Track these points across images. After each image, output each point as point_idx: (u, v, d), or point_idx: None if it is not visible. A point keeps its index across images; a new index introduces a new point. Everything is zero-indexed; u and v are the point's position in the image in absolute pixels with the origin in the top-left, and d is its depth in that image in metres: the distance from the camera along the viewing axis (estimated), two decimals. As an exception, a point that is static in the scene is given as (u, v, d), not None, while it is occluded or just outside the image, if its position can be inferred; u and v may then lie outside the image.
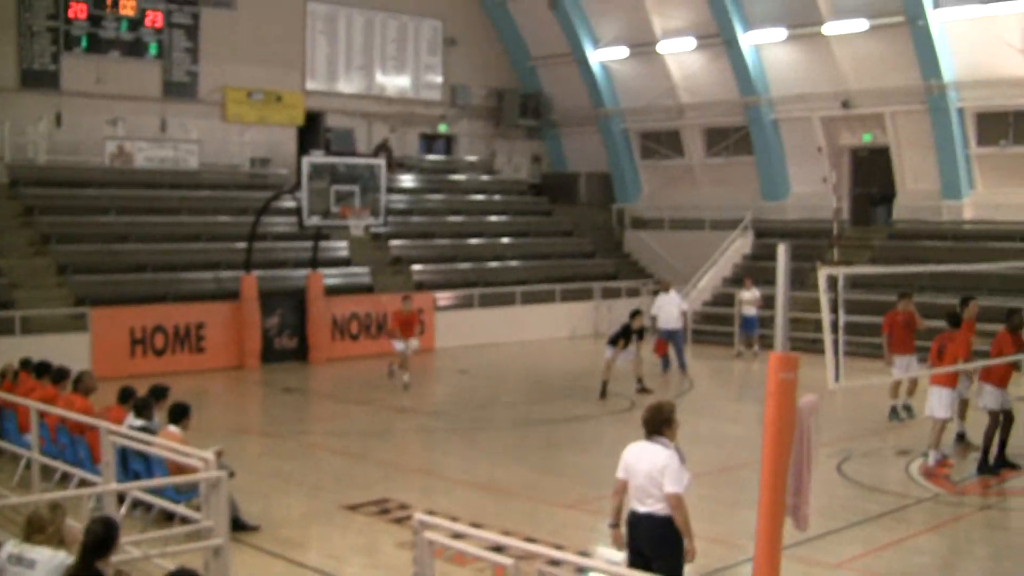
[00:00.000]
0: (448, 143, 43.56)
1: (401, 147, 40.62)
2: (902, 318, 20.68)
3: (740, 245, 37.33)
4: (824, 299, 10.93)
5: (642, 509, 9.13)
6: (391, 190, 34.38)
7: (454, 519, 11.86)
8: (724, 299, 34.26)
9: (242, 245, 29.02)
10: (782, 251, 9.71)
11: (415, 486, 15.60)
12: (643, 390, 23.27)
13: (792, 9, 36.09)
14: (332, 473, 16.60)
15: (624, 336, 23.42)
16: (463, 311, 32.92)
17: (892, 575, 12.02)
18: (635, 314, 23.88)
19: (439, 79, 42.02)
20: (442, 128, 42.61)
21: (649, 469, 9.04)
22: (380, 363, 26.91)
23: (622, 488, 9.34)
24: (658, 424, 9.25)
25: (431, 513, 9.84)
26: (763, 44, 37.69)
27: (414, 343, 25.27)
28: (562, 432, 19.86)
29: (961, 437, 17.65)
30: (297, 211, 28.79)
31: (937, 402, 16.36)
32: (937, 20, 33.32)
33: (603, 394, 23.00)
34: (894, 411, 20.46)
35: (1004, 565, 12.52)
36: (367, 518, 13.87)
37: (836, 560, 12.14)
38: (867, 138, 37.34)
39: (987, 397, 16.09)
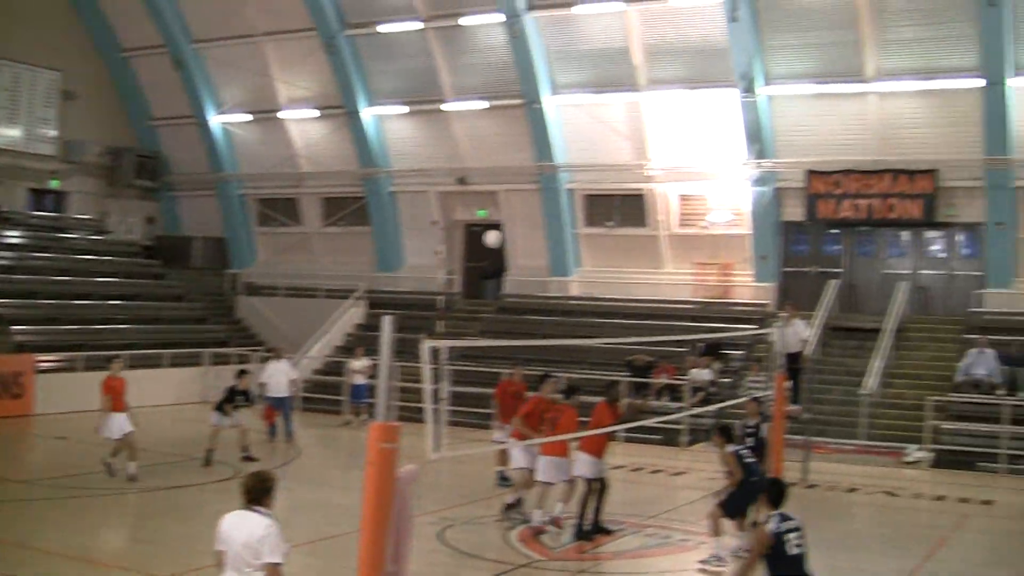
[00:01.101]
0: (59, 200, 41.93)
1: (8, 201, 38.90)
2: (513, 388, 21.21)
3: (353, 314, 37.61)
4: (426, 370, 11.12)
5: None
6: (-6, 246, 32.92)
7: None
8: (335, 367, 34.30)
9: None
10: (386, 323, 9.85)
11: (7, 558, 14.78)
12: (248, 459, 22.94)
13: (414, 86, 37.08)
14: (-88, 546, 15.53)
15: (230, 400, 23.10)
16: (66, 375, 31.40)
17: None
18: (241, 374, 23.67)
19: (53, 132, 40.47)
20: (53, 184, 41.10)
21: (247, 538, 8.86)
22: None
23: (223, 560, 9.14)
24: (258, 493, 9.10)
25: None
26: (385, 117, 38.31)
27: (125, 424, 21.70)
28: (162, 501, 19.32)
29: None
30: None
31: (546, 469, 16.90)
32: (552, 104, 34.80)
33: (207, 462, 22.53)
34: (502, 477, 20.91)
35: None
36: (-50, 592, 13.07)
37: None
38: (482, 214, 38.43)
39: (582, 466, 16.72)
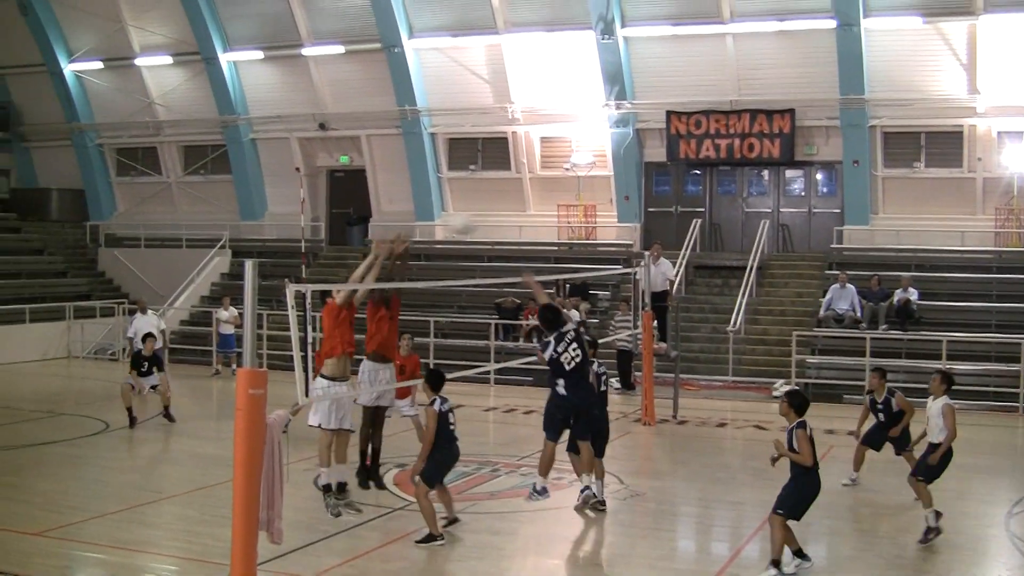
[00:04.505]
0: (-97, 152, 40.62)
1: None
2: None
3: (218, 264, 37.12)
4: (292, 316, 11.02)
5: None
6: None
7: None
8: (202, 318, 33.90)
9: None
10: (249, 268, 9.73)
11: None
12: (168, 416, 22.28)
13: (271, 31, 36.52)
14: None
15: (138, 368, 22.09)
16: (-76, 333, 30.79)
17: (366, 583, 12.29)
18: (147, 338, 22.69)
19: None
20: None
21: None
22: None
23: None
24: None
25: None
26: (242, 63, 37.73)
27: None
28: (30, 458, 18.93)
29: None
30: None
31: None
32: (411, 48, 34.60)
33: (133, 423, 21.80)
34: None
35: (470, 564, 13.07)
36: None
37: (313, 572, 12.23)
38: (344, 160, 38.20)
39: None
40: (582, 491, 14.71)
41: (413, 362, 17.86)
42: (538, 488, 14.16)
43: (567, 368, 13.99)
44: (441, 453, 13.52)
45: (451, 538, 13.60)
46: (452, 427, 13.54)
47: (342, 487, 14.39)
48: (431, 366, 16.31)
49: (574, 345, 14.05)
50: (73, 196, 42.52)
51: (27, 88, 42.04)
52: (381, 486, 15.83)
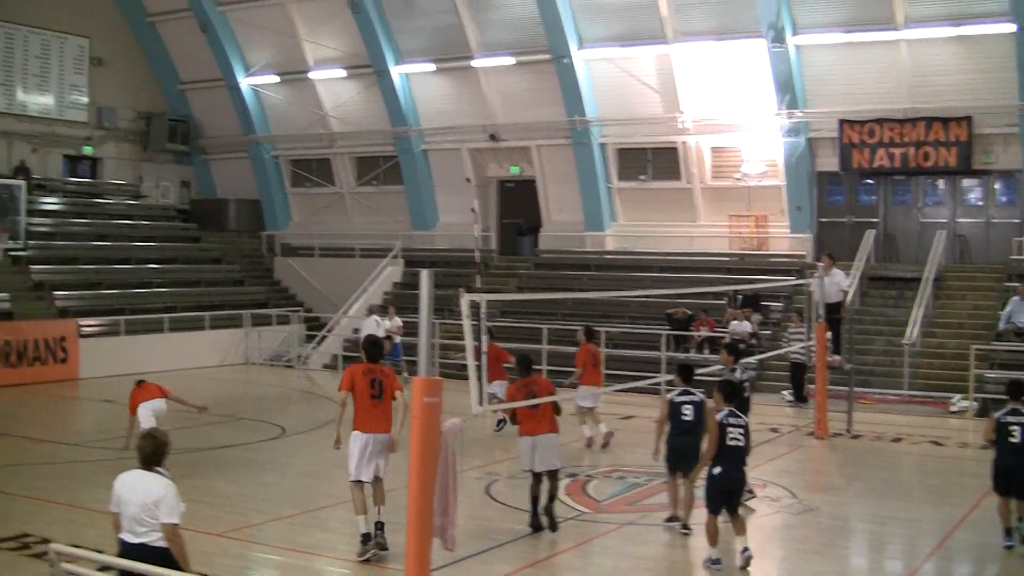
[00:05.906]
0: (94, 166, 42.09)
1: (43, 168, 39.03)
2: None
3: (390, 273, 37.62)
4: (467, 324, 11.11)
5: (134, 540, 8.84)
6: (32, 212, 33.26)
7: (99, 551, 11.42)
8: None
9: None
10: (424, 277, 9.85)
11: (57, 519, 14.88)
12: None
13: (442, 43, 36.94)
14: (-36, 509, 15.63)
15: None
16: (109, 339, 31.71)
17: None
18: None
19: (85, 99, 40.68)
20: (87, 150, 41.22)
21: (144, 499, 8.80)
22: (17, 393, 25.65)
23: (118, 522, 8.99)
24: (155, 455, 9.05)
25: (75, 547, 9.44)
26: (414, 75, 38.24)
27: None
28: (210, 460, 19.44)
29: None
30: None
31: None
32: (581, 59, 34.66)
33: None
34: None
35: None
36: (4, 555, 13.18)
37: (483, 580, 12.37)
38: (514, 170, 38.42)
39: None
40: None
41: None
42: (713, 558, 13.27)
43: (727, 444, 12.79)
44: (671, 440, 14.49)
45: (621, 551, 13.60)
46: (686, 418, 14.34)
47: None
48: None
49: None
50: (250, 206, 43.64)
51: (207, 102, 43.26)
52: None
